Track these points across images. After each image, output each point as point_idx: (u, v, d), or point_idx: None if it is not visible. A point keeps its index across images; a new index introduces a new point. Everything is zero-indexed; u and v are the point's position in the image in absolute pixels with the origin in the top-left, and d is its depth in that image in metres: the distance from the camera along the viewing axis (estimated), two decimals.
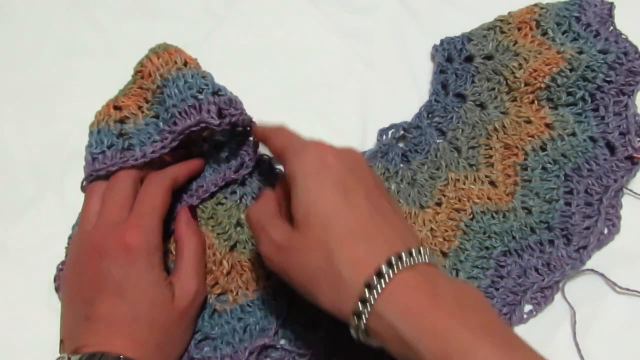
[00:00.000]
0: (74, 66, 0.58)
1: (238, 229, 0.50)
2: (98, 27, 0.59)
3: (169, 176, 0.45)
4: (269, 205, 0.41)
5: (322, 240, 0.35)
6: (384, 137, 0.53)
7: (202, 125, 0.44)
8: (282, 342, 0.46)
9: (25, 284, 0.48)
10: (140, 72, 0.48)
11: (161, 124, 0.46)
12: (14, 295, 0.48)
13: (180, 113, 0.44)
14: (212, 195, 0.50)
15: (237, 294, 0.48)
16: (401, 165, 0.52)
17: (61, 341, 0.41)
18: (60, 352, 0.40)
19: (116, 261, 0.40)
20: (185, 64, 0.47)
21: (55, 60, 0.58)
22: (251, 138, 0.49)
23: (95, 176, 0.45)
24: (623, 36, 0.54)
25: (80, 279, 0.41)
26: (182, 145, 0.47)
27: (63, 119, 0.55)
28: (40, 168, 0.53)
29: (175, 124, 0.44)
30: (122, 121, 0.47)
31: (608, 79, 0.52)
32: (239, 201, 0.51)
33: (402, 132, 0.54)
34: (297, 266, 0.36)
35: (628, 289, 0.48)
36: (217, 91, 0.46)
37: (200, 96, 0.45)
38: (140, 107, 0.48)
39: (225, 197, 0.51)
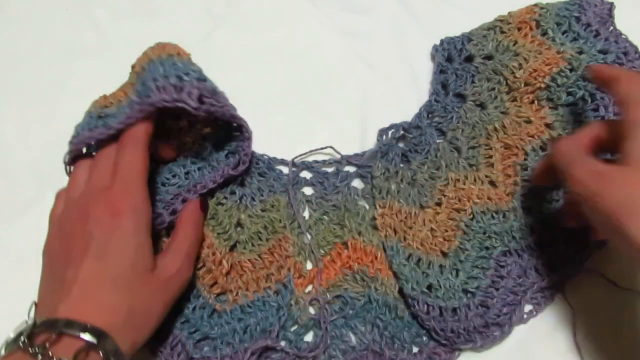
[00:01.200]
0: (74, 66, 0.58)
1: (238, 229, 0.50)
2: (98, 27, 0.59)
3: (141, 135, 0.43)
4: (581, 141, 0.41)
5: None
6: (384, 137, 0.53)
7: (179, 104, 0.42)
8: (282, 343, 0.46)
9: (25, 284, 0.48)
10: (134, 65, 0.48)
11: (135, 96, 0.44)
12: (14, 295, 0.48)
13: (158, 87, 0.42)
14: (212, 195, 0.50)
15: (237, 294, 0.48)
16: (401, 165, 0.52)
17: (35, 305, 0.40)
18: (29, 315, 0.40)
19: (102, 225, 0.39)
20: (178, 54, 0.46)
21: (55, 60, 0.58)
22: (246, 133, 0.48)
23: (70, 158, 0.45)
24: (623, 36, 0.54)
25: (64, 243, 0.40)
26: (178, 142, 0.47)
27: (63, 119, 0.54)
28: (40, 168, 0.53)
29: (148, 96, 0.42)
30: (106, 106, 0.46)
31: None
32: (239, 201, 0.51)
33: (402, 132, 0.53)
34: (617, 195, 0.36)
35: (628, 289, 0.48)
36: (204, 80, 0.45)
37: (186, 78, 0.43)
38: (126, 93, 0.46)
39: (225, 197, 0.51)
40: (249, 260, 0.48)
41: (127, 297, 0.39)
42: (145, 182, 0.42)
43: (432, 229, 0.49)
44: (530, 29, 0.54)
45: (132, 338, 0.39)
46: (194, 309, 0.47)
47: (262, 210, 0.50)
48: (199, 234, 0.47)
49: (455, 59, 0.55)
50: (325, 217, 0.51)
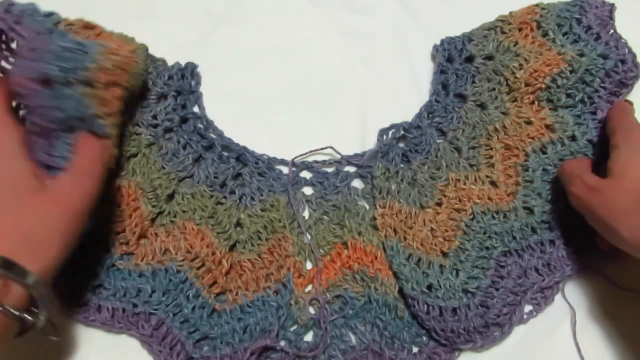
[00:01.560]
0: None
1: (238, 228, 0.50)
2: None
3: None
4: (582, 163, 0.49)
5: (634, 187, 0.42)
6: (385, 137, 0.53)
7: None
8: (282, 343, 0.46)
9: None
10: None
11: None
12: None
13: None
14: (212, 195, 0.50)
15: (236, 294, 0.48)
16: (401, 165, 0.52)
17: None
18: None
19: None
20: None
21: None
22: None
23: None
24: (623, 41, 0.54)
25: None
26: None
27: None
28: None
29: None
30: None
31: (602, 85, 0.52)
32: (238, 201, 0.51)
33: (402, 132, 0.53)
34: (605, 204, 0.43)
35: (628, 289, 0.48)
36: (31, 16, 0.43)
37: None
38: None
39: (225, 197, 0.50)
40: (248, 260, 0.48)
41: (14, 221, 0.38)
42: (5, 105, 0.41)
43: (432, 229, 0.49)
44: (531, 29, 0.54)
45: (38, 260, 0.38)
46: (193, 308, 0.47)
47: (262, 210, 0.50)
48: (99, 156, 0.43)
49: (455, 59, 0.55)
50: (325, 217, 0.51)
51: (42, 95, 0.40)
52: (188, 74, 0.55)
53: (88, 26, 0.50)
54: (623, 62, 0.52)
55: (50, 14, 0.45)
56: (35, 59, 0.40)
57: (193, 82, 0.55)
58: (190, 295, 0.47)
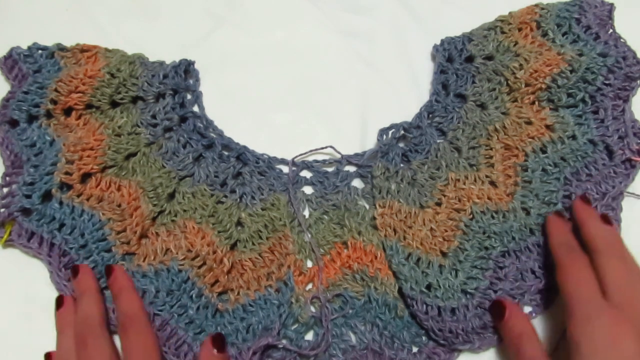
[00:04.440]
0: None
1: (238, 227, 0.50)
2: (98, 27, 0.59)
3: None
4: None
5: None
6: (385, 137, 0.53)
7: None
8: (284, 342, 0.46)
9: (25, 283, 0.48)
10: None
11: None
12: (14, 295, 0.48)
13: None
14: (212, 194, 0.50)
15: (238, 293, 0.48)
16: (401, 165, 0.52)
17: None
18: None
19: None
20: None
21: None
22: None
23: None
24: (622, 40, 0.54)
25: None
26: None
27: None
28: None
29: None
30: None
31: (607, 82, 0.52)
32: (239, 200, 0.51)
33: (402, 132, 0.54)
34: None
35: None
36: None
37: None
38: None
39: (225, 196, 0.51)
40: (249, 259, 0.48)
41: None
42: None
43: (431, 229, 0.49)
44: (531, 29, 0.54)
45: None
46: (197, 308, 0.46)
47: (263, 209, 0.50)
48: None
49: (455, 59, 0.55)
50: (325, 217, 0.51)
51: None
52: (181, 70, 0.55)
53: (84, 49, 0.55)
54: (625, 58, 0.52)
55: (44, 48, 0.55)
56: None
57: (191, 80, 0.56)
58: (194, 296, 0.46)
